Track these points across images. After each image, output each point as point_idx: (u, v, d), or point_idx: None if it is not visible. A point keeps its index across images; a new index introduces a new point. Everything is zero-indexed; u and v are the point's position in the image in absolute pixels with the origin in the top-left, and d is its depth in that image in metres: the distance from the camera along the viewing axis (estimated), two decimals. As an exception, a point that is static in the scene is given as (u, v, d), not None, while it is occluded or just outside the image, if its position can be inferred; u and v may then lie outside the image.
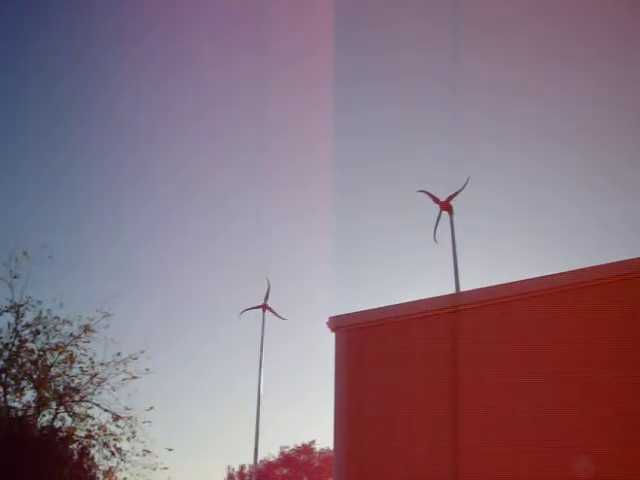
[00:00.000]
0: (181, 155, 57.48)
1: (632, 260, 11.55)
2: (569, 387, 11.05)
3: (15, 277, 19.69)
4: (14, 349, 19.52)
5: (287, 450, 50.62)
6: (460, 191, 36.47)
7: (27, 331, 19.74)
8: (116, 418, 19.78)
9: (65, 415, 19.88)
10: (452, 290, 32.11)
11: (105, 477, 19.75)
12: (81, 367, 20.08)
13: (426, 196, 37.14)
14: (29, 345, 19.72)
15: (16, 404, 19.54)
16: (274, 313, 47.25)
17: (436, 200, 36.91)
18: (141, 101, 53.03)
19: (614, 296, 11.44)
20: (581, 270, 11.70)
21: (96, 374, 20.05)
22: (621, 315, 11.31)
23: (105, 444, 19.71)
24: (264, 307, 47.41)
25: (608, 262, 11.64)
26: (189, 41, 50.59)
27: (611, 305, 11.41)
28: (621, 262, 11.59)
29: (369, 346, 12.12)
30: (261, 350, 46.05)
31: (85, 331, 20.09)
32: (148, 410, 20.06)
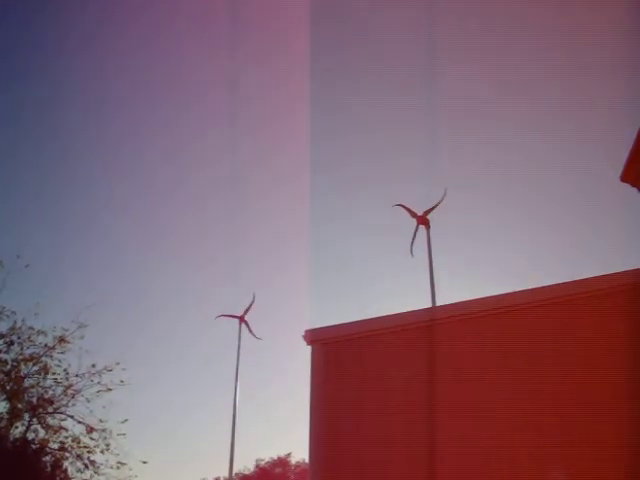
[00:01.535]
0: (157, 159, 57.29)
1: (600, 277, 11.85)
2: (543, 397, 11.23)
3: (-11, 287, 19.55)
4: (-13, 360, 19.36)
5: (262, 463, 50.45)
6: (437, 205, 36.75)
7: (1, 341, 19.60)
8: (90, 430, 19.64)
9: (38, 427, 19.72)
10: (428, 304, 32.33)
11: (78, 490, 19.59)
12: (55, 378, 19.95)
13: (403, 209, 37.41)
14: (2, 356, 19.57)
15: (-12, 415, 19.36)
16: (250, 330, 46.84)
17: (413, 214, 37.15)
18: (115, 108, 52.85)
19: (588, 309, 11.68)
20: (555, 285, 11.93)
21: (70, 385, 19.93)
22: (595, 328, 11.54)
23: (79, 456, 19.57)
24: (242, 319, 47.19)
25: (583, 277, 11.92)
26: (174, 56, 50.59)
27: (585, 318, 11.64)
28: (593, 278, 11.88)
29: (345, 359, 12.20)
30: (237, 362, 45.89)
31: (60, 342, 19.97)
32: (122, 422, 19.98)
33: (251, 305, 46.73)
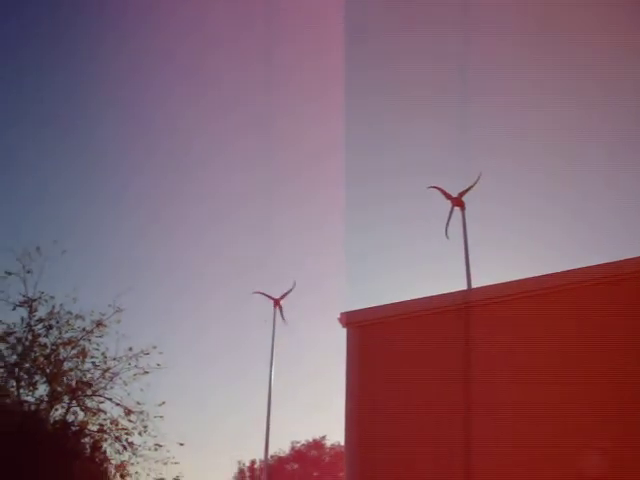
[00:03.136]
0: (186, 138, 57.50)
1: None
2: (581, 384, 11.00)
3: (28, 272, 19.80)
4: (27, 343, 19.65)
5: (298, 445, 50.76)
6: (472, 187, 36.40)
7: (40, 326, 19.87)
8: (128, 412, 19.86)
9: (77, 409, 19.99)
10: (463, 286, 32.07)
11: (117, 471, 19.85)
12: (93, 362, 20.18)
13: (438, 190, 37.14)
14: (42, 340, 19.84)
15: (29, 398, 19.69)
16: (282, 315, 47.12)
17: (448, 196, 36.86)
18: (149, 100, 53.21)
19: (625, 293, 11.38)
20: (594, 267, 11.65)
21: (108, 369, 20.13)
22: (632, 312, 11.25)
23: (117, 438, 19.81)
24: (277, 302, 47.41)
25: (621, 259, 11.59)
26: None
27: (623, 302, 11.35)
28: (632, 259, 11.55)
29: (381, 342, 12.12)
30: (272, 345, 46.16)
31: (97, 326, 20.19)
32: (160, 405, 20.17)
33: (289, 291, 47.00)
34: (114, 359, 20.19)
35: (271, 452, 47.50)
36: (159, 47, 48.79)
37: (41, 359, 19.75)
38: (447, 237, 36.82)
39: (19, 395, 19.51)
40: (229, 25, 46.98)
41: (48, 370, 19.80)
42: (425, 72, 46.35)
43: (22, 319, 19.72)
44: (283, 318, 47.03)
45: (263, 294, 47.11)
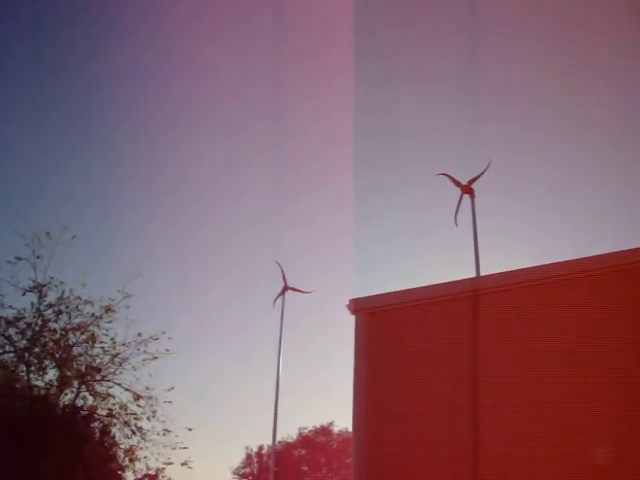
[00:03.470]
0: (196, 127, 57.54)
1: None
2: (590, 374, 10.96)
3: (38, 258, 19.83)
4: (37, 329, 19.72)
5: (305, 431, 51.02)
6: (481, 174, 36.23)
7: (50, 311, 19.92)
8: (137, 397, 19.93)
9: (87, 394, 20.07)
10: (472, 274, 31.99)
11: (126, 455, 19.96)
12: (102, 347, 20.23)
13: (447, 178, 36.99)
14: (52, 325, 19.89)
15: (39, 383, 19.79)
16: (298, 290, 47.37)
17: (457, 184, 36.71)
18: (158, 96, 53.34)
19: (635, 283, 11.33)
20: (604, 255, 11.59)
21: (117, 354, 20.18)
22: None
23: (126, 423, 19.90)
24: (286, 289, 47.55)
25: (630, 248, 11.53)
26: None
27: (629, 295, 11.29)
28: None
29: (389, 329, 12.11)
30: (280, 332, 46.29)
31: (106, 311, 20.22)
32: (168, 390, 20.24)
33: (283, 273, 47.22)
34: (123, 344, 20.24)
35: (279, 438, 47.78)
36: (169, 38, 48.78)
37: (51, 344, 19.81)
38: (456, 225, 36.73)
39: (29, 380, 19.62)
40: (238, 16, 46.95)
41: (58, 355, 19.88)
42: (433, 64, 46.17)
43: (32, 304, 19.79)
44: (303, 291, 47.23)
45: (278, 296, 47.21)
